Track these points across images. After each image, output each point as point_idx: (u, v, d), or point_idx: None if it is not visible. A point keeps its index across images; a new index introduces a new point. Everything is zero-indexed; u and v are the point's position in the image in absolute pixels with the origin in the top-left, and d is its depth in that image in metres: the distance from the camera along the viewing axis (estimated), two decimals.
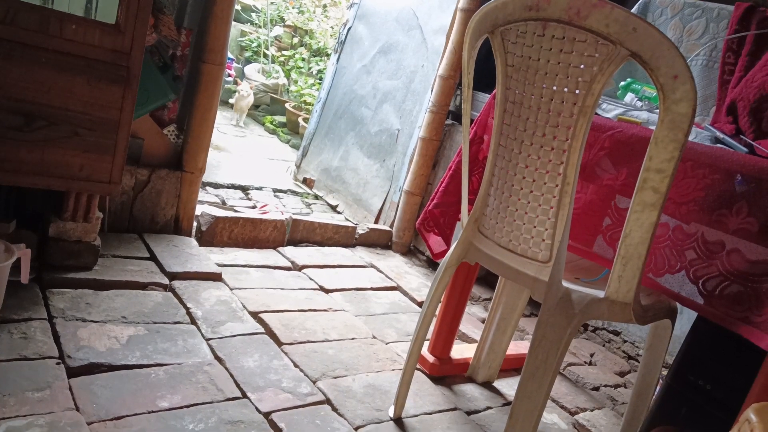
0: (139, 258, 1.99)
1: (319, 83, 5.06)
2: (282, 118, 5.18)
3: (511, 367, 2.00)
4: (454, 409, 1.67)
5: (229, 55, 5.49)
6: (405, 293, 2.43)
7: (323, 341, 1.83)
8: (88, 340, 1.50)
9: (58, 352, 1.43)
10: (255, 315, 1.88)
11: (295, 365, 1.66)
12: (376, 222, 3.04)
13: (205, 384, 1.46)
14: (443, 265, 1.46)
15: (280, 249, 2.49)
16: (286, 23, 5.96)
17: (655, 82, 0.99)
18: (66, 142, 1.61)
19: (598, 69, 1.03)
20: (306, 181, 3.58)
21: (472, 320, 2.32)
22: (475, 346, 1.91)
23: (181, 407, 1.35)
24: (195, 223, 2.33)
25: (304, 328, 1.87)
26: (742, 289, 1.12)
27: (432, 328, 1.86)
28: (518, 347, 2.09)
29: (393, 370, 1.78)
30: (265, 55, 5.84)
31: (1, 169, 1.55)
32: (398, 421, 1.53)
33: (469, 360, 1.89)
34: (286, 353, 1.71)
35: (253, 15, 5.99)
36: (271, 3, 5.98)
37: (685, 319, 1.95)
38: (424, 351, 1.86)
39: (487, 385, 1.88)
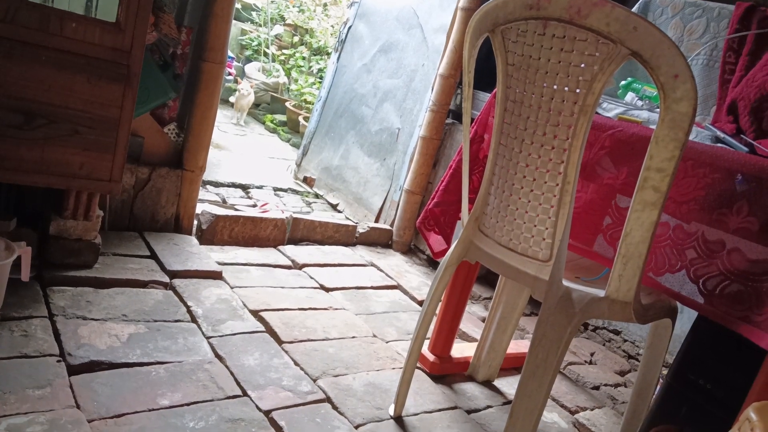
0: (139, 256, 1.99)
1: (320, 82, 5.06)
2: (282, 117, 5.18)
3: (512, 366, 2.00)
4: (455, 407, 1.68)
5: (230, 53, 5.49)
6: (405, 292, 2.43)
7: (323, 340, 1.83)
8: (88, 338, 1.50)
9: (59, 350, 1.43)
10: (255, 313, 1.88)
11: (296, 363, 1.66)
12: (376, 221, 3.04)
13: (206, 382, 1.46)
14: (443, 264, 1.47)
15: (280, 247, 2.49)
16: (287, 22, 5.96)
17: (655, 81, 0.99)
18: (66, 141, 1.61)
19: (598, 68, 1.03)
20: (306, 180, 3.58)
21: (473, 319, 2.33)
22: (475, 344, 1.91)
23: (182, 405, 1.35)
24: (195, 222, 2.33)
25: (305, 327, 1.88)
26: (743, 289, 1.12)
27: (432, 326, 1.86)
28: (518, 346, 2.09)
29: (393, 368, 1.78)
30: (266, 54, 5.83)
31: (1, 167, 1.55)
32: (398, 419, 1.54)
33: (470, 359, 1.89)
34: (286, 351, 1.71)
35: (254, 13, 5.99)
36: (272, 2, 5.98)
37: (686, 318, 1.95)
38: (425, 350, 1.86)
39: (488, 383, 1.88)
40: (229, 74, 5.44)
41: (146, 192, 2.16)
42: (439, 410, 1.64)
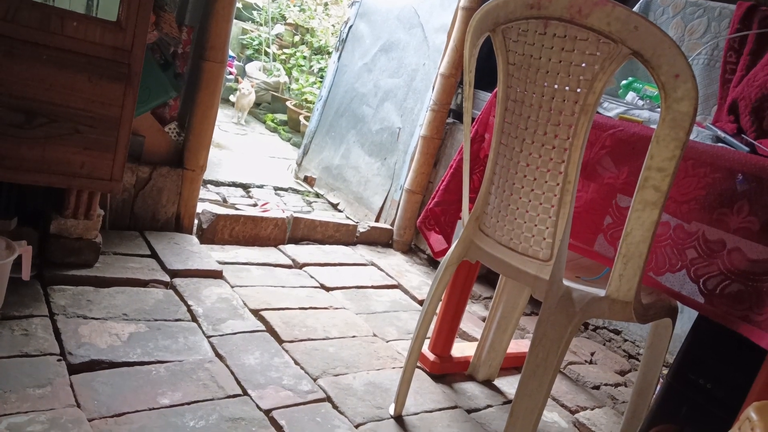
0: (140, 255, 1.99)
1: (321, 81, 5.06)
2: (283, 116, 5.18)
3: (512, 365, 2.00)
4: (455, 407, 1.68)
5: (231, 53, 5.50)
6: (406, 291, 2.43)
7: (324, 339, 1.83)
8: (89, 337, 1.51)
9: (59, 349, 1.43)
10: (256, 312, 1.88)
11: (296, 363, 1.66)
12: (377, 220, 3.04)
13: (206, 381, 1.46)
14: (444, 263, 1.47)
15: (281, 247, 2.49)
16: (288, 21, 5.96)
17: (656, 81, 0.99)
18: (67, 140, 1.61)
19: (599, 67, 1.03)
20: (307, 180, 3.58)
21: (473, 319, 2.33)
22: (475, 344, 1.91)
23: (182, 404, 1.35)
24: (196, 221, 2.33)
25: (305, 326, 1.88)
26: (743, 288, 1.12)
27: (433, 326, 1.86)
28: (519, 346, 2.09)
29: (393, 368, 1.78)
30: (267, 53, 5.83)
31: (2, 166, 1.55)
32: (398, 419, 1.54)
33: (470, 358, 1.89)
34: (286, 351, 1.71)
35: (255, 13, 5.99)
36: (273, 1, 5.98)
37: (686, 317, 1.95)
38: (425, 349, 1.86)
39: (488, 383, 1.88)
40: (230, 73, 5.44)
41: (147, 191, 2.16)
42: (440, 410, 1.64)
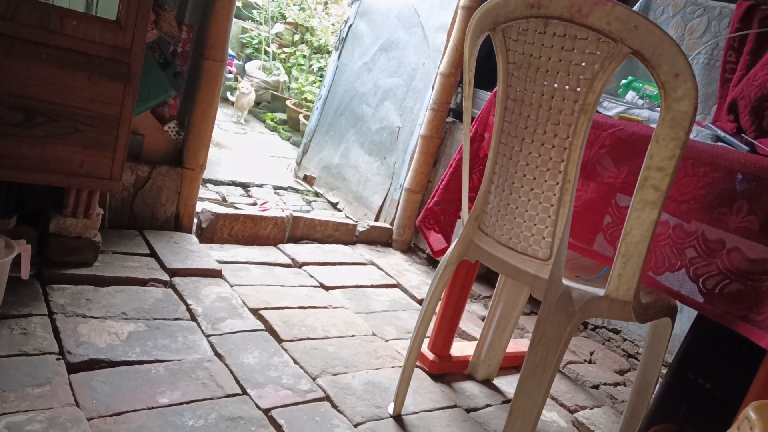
0: (139, 254, 1.99)
1: (320, 80, 5.05)
2: (283, 116, 5.18)
3: (511, 364, 2.00)
4: (454, 406, 1.68)
5: (230, 51, 5.49)
6: (405, 291, 2.43)
7: (323, 338, 1.83)
8: (88, 336, 1.51)
9: (58, 348, 1.43)
10: (255, 312, 1.88)
11: (295, 362, 1.66)
12: (376, 219, 3.04)
13: (205, 380, 1.46)
14: (443, 262, 1.47)
15: (280, 246, 2.49)
16: (287, 20, 5.95)
17: (656, 80, 0.99)
18: (66, 138, 1.61)
19: (599, 67, 1.03)
20: (306, 179, 3.58)
21: (472, 318, 2.33)
22: (474, 343, 1.91)
23: (181, 403, 1.35)
24: (195, 220, 2.33)
25: (304, 325, 1.88)
26: (742, 288, 1.12)
27: (432, 325, 1.86)
28: (518, 345, 2.09)
29: (393, 367, 1.78)
30: (266, 53, 5.83)
31: (1, 165, 1.55)
32: (398, 418, 1.54)
33: (469, 357, 1.89)
34: (286, 350, 1.71)
35: (254, 12, 5.98)
36: (272, 0, 5.97)
37: (685, 317, 1.95)
38: (424, 348, 1.86)
39: (487, 382, 1.88)
40: (230, 72, 5.44)
41: (146, 190, 2.16)
42: (439, 409, 1.64)
